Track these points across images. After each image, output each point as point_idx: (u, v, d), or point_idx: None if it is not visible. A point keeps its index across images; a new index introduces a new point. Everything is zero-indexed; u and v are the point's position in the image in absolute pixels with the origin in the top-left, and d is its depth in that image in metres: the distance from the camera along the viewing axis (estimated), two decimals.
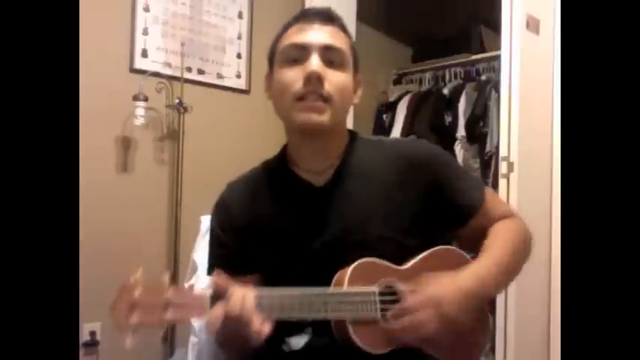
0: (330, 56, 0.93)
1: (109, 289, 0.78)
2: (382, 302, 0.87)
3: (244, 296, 0.79)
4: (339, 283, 0.87)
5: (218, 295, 0.80)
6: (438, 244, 0.98)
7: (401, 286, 0.89)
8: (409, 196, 0.96)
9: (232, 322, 0.78)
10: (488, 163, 2.43)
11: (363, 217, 0.94)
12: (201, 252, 1.96)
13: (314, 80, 0.90)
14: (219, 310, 0.79)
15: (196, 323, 1.30)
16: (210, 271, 1.03)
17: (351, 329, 0.83)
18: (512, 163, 1.93)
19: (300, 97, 0.90)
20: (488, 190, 1.05)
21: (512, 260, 0.95)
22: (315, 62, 0.91)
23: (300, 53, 0.92)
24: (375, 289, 0.87)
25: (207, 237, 1.93)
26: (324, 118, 0.91)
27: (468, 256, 0.98)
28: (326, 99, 0.91)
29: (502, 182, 1.94)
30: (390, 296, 0.88)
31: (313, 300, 0.82)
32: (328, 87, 0.91)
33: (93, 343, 1.94)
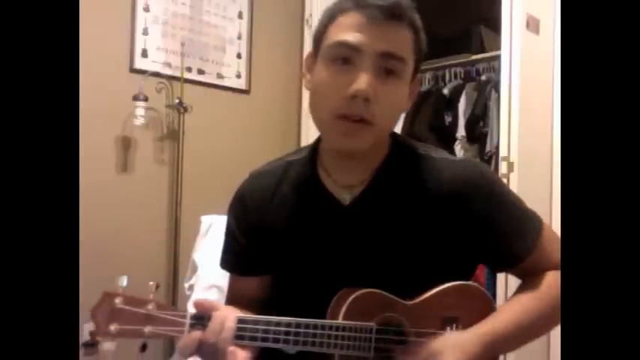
0: (387, 65, 0.78)
1: (109, 290, 0.78)
2: (378, 340, 0.80)
3: (223, 324, 0.75)
4: (335, 315, 0.80)
5: (201, 317, 0.77)
6: (462, 277, 0.90)
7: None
8: (443, 229, 0.85)
9: (207, 349, 0.75)
10: (488, 163, 2.42)
11: (385, 243, 0.86)
12: (201, 252, 1.97)
13: (359, 101, 0.77)
14: (196, 335, 0.75)
15: None
16: (222, 264, 0.99)
17: None
18: (512, 163, 1.93)
19: (340, 116, 0.78)
20: (546, 233, 0.89)
21: (535, 328, 0.89)
22: (364, 81, 0.76)
23: (351, 54, 0.78)
24: (372, 325, 0.80)
25: (208, 236, 1.95)
26: (363, 143, 0.80)
27: (488, 296, 0.90)
28: (369, 122, 0.78)
29: None
30: (389, 335, 0.81)
31: (301, 331, 0.77)
32: (376, 108, 0.77)
33: (93, 344, 1.94)
